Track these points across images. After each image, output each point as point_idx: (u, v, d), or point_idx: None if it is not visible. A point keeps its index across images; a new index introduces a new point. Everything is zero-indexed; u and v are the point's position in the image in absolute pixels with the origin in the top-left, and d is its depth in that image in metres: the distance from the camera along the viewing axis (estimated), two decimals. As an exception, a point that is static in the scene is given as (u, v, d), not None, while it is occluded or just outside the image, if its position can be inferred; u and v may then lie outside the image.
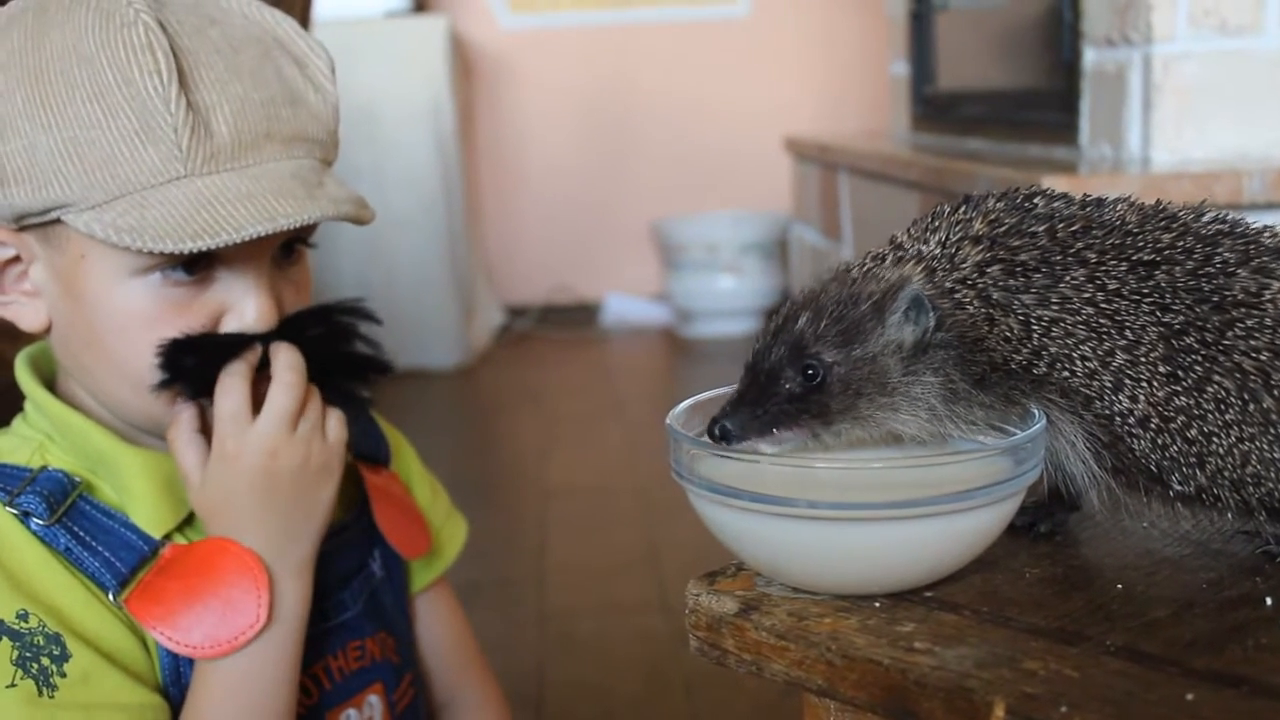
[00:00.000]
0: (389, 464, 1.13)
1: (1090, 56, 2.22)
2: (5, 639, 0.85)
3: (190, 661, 0.93)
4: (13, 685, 0.84)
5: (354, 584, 1.05)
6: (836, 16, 5.04)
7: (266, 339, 0.94)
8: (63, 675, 0.85)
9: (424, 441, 1.25)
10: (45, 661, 0.85)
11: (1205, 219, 0.73)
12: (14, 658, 0.85)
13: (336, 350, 0.99)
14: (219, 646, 0.91)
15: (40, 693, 0.85)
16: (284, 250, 0.97)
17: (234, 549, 0.93)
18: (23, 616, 0.86)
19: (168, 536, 0.94)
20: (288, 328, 0.96)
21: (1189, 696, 0.57)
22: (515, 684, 2.15)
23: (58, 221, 0.89)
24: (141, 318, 0.91)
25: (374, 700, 1.04)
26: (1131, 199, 0.75)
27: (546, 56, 5.09)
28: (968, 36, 3.05)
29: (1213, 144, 2.05)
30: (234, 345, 0.93)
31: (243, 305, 0.93)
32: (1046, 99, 2.42)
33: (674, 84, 5.11)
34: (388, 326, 1.04)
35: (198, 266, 0.91)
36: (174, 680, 0.92)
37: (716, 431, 0.72)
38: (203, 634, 0.91)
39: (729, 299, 4.73)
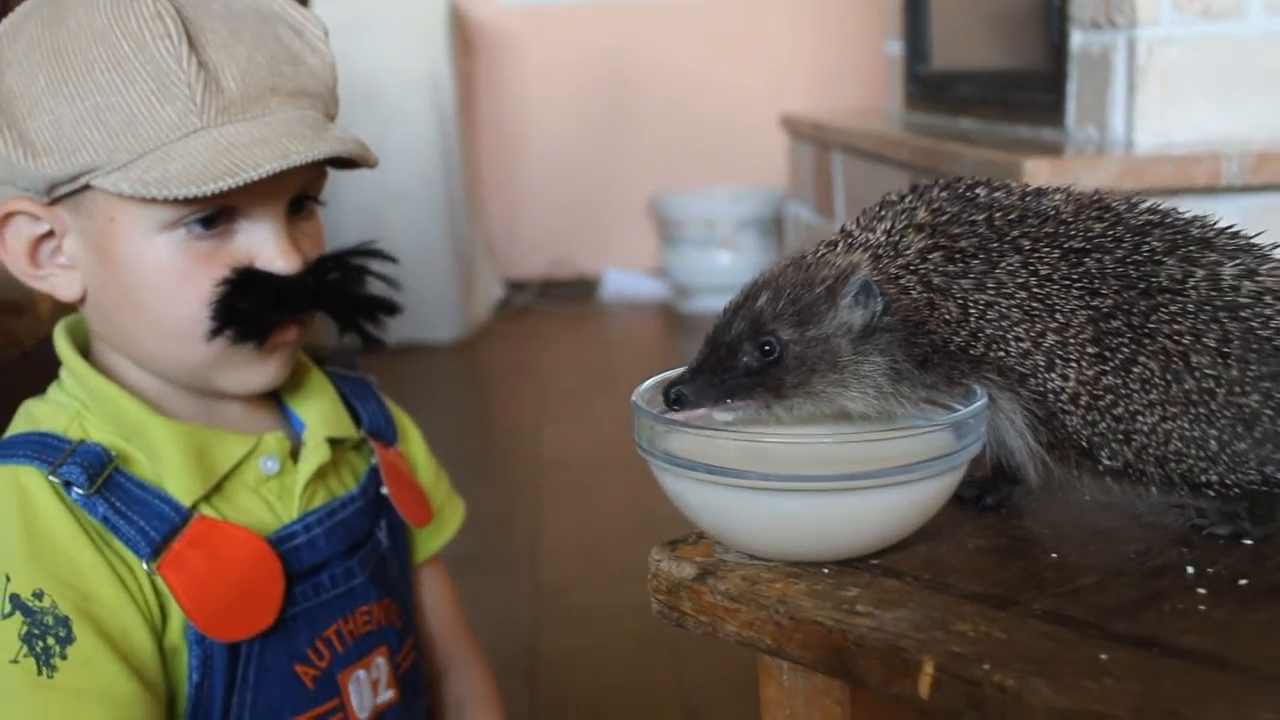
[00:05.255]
0: (395, 443, 1.20)
1: (1077, 39, 2.25)
2: (18, 613, 0.91)
3: None
4: (15, 662, 0.90)
5: (362, 552, 1.11)
6: (836, -7, 5.07)
7: (299, 289, 1.01)
8: (64, 658, 0.90)
9: (422, 415, 1.31)
10: (50, 641, 0.90)
11: (1138, 209, 0.77)
12: (22, 633, 0.90)
13: (352, 292, 1.06)
14: (227, 633, 0.98)
15: (39, 672, 0.90)
16: (295, 207, 1.03)
17: (261, 547, 1.00)
18: (38, 595, 0.91)
19: (195, 506, 0.99)
20: (311, 272, 1.02)
21: (1103, 656, 0.62)
22: (509, 654, 2.20)
23: (86, 189, 0.95)
24: (172, 271, 0.97)
25: (380, 662, 1.10)
26: (1070, 190, 0.79)
27: (546, 32, 5.11)
28: (960, 17, 3.08)
29: (1195, 127, 2.08)
30: (279, 290, 0.99)
31: (268, 251, 0.99)
32: (1035, 81, 2.45)
33: (673, 60, 5.13)
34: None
35: (217, 220, 0.98)
36: (198, 639, 0.98)
37: (672, 395, 0.77)
38: (213, 621, 0.98)
39: (726, 274, 4.75)
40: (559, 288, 5.23)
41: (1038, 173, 1.87)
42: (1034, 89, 2.46)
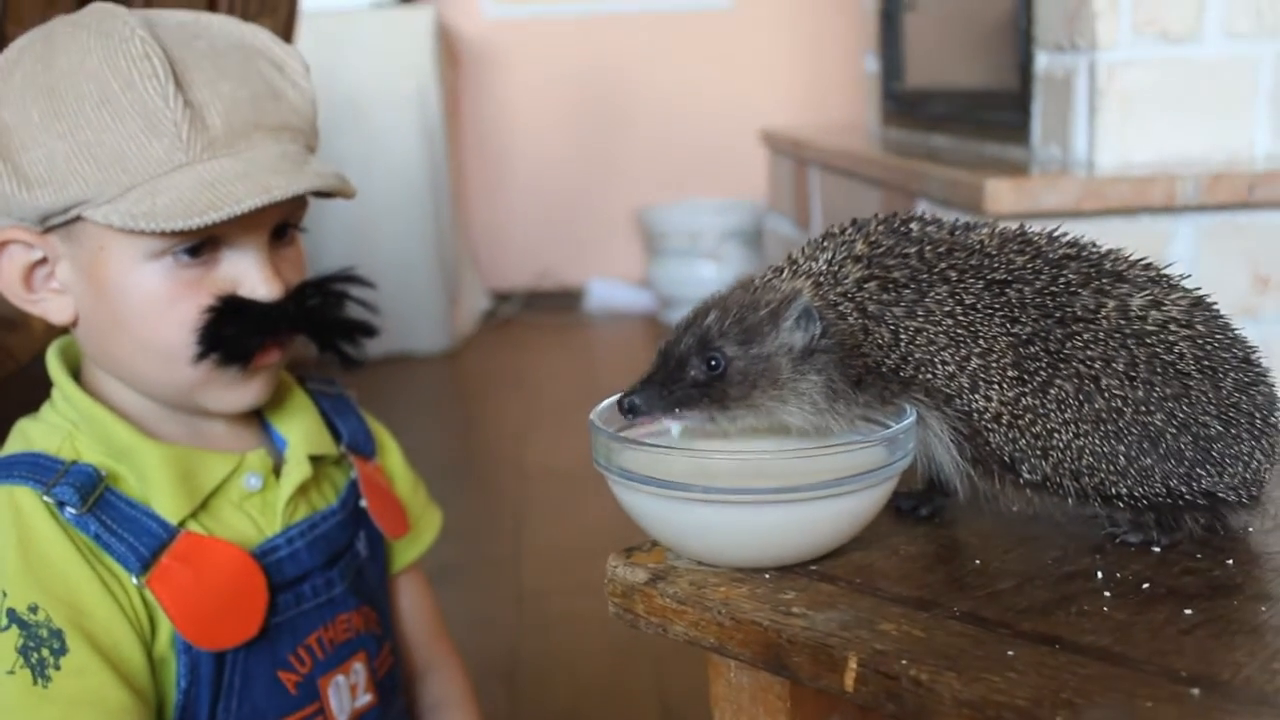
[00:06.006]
0: (374, 457, 1.26)
1: (1042, 60, 2.31)
2: (14, 627, 0.95)
3: None
4: (11, 673, 0.95)
5: (341, 563, 1.16)
6: (820, 8, 5.13)
7: (280, 314, 1.06)
8: (58, 668, 0.95)
9: (408, 425, 1.36)
10: (45, 653, 0.95)
11: (1057, 244, 0.84)
12: (18, 645, 0.95)
13: (331, 317, 1.11)
14: (214, 643, 1.03)
15: (35, 681, 0.94)
16: (277, 234, 1.08)
17: (245, 560, 1.05)
18: (33, 609, 0.96)
19: (182, 522, 1.04)
20: (292, 298, 1.07)
21: (1010, 652, 0.68)
22: (490, 660, 2.25)
23: (78, 220, 1.00)
24: (160, 298, 1.02)
25: (359, 667, 1.15)
26: (997, 225, 0.86)
27: (531, 46, 5.18)
28: (934, 35, 3.15)
29: (1153, 148, 2.14)
30: (262, 315, 1.04)
31: (251, 278, 1.04)
32: (1003, 100, 2.52)
33: (658, 74, 5.20)
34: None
35: (203, 249, 1.02)
36: (186, 648, 1.03)
37: (626, 405, 0.83)
38: (200, 631, 1.03)
39: (710, 285, 4.75)
40: (545, 299, 5.29)
41: (999, 194, 1.94)
42: (1002, 108, 2.52)
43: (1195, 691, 0.63)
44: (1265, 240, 2.01)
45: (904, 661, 0.68)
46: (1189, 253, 2.00)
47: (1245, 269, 2.01)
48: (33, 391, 1.12)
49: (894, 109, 3.32)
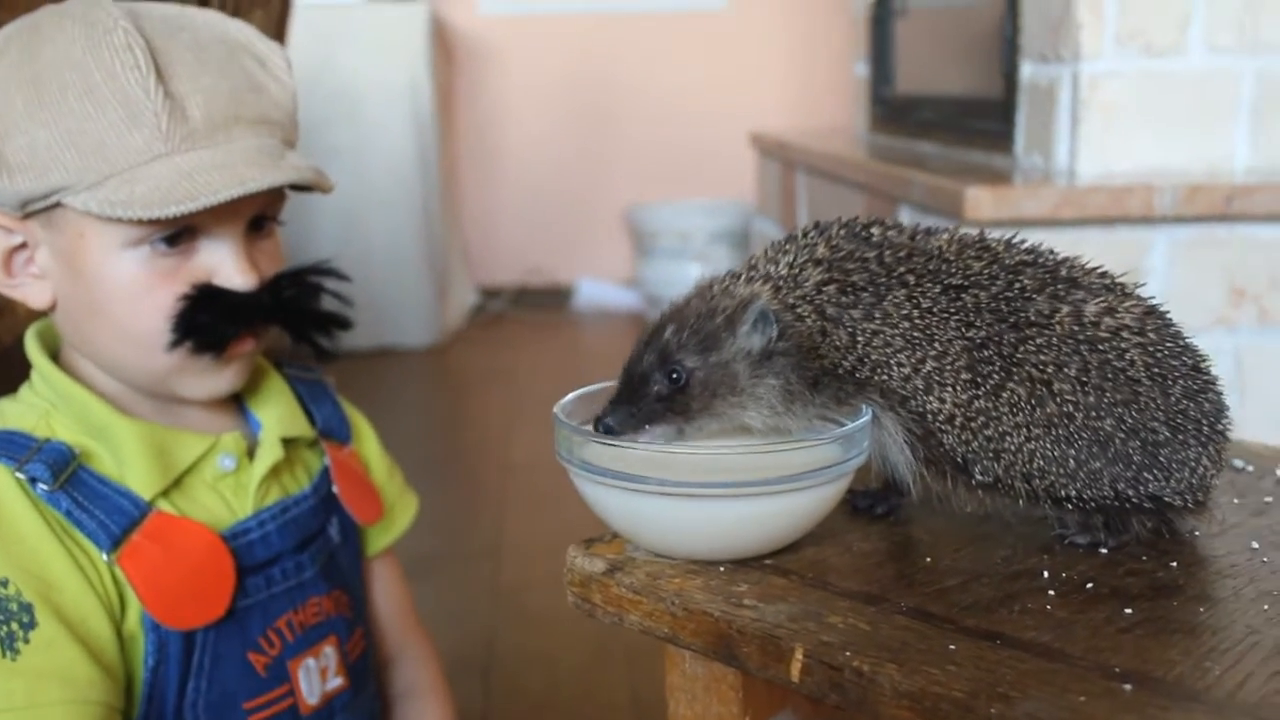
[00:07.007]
0: (349, 443, 1.27)
1: (1026, 70, 2.34)
2: None
3: None
4: None
5: (313, 547, 1.17)
6: (814, 12, 5.16)
7: (255, 304, 1.07)
8: (26, 641, 0.96)
9: (393, 418, 1.38)
10: (14, 626, 0.96)
11: (1015, 250, 0.85)
12: None
13: (306, 308, 1.13)
14: (181, 622, 1.05)
15: (4, 654, 0.95)
16: (255, 226, 1.10)
17: (214, 542, 1.07)
18: (3, 583, 0.97)
19: (153, 501, 1.06)
20: (268, 289, 1.09)
21: (951, 646, 0.70)
22: (466, 652, 2.27)
23: (58, 206, 1.02)
24: (137, 285, 1.04)
25: (329, 651, 1.17)
26: (958, 231, 0.87)
27: (525, 43, 5.20)
28: (923, 42, 3.17)
29: (1134, 159, 2.17)
30: (237, 305, 1.06)
31: (226, 268, 1.06)
32: (989, 109, 2.55)
33: (651, 73, 5.22)
34: (362, 305, 1.20)
35: (180, 239, 1.04)
36: (154, 627, 1.04)
37: (601, 429, 0.85)
38: (168, 610, 1.04)
39: (697, 287, 4.81)
40: (533, 296, 5.31)
41: (979, 202, 1.96)
42: (987, 117, 2.55)
43: (1128, 687, 0.65)
44: (1242, 253, 2.03)
45: (847, 653, 0.69)
46: (1166, 264, 2.02)
47: (1222, 281, 2.04)
48: (17, 373, 1.13)
49: (882, 114, 3.34)
